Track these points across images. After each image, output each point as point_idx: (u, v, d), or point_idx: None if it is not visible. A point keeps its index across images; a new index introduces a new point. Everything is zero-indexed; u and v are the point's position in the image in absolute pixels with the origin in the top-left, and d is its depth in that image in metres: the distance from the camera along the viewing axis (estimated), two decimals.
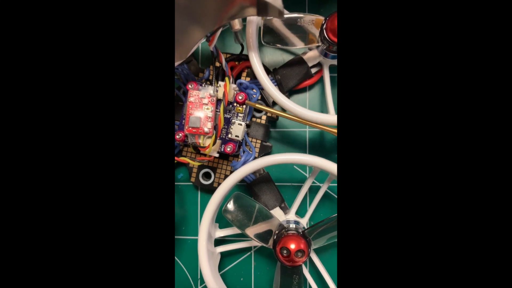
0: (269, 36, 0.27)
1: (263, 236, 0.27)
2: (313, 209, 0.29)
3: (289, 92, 0.31)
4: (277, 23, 0.27)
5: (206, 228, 0.27)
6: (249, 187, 0.30)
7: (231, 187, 0.27)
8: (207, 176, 0.31)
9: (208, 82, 0.29)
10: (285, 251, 0.26)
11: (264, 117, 0.30)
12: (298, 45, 0.27)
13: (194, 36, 0.25)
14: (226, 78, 0.27)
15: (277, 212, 0.29)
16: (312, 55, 0.29)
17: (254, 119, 0.30)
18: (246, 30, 0.27)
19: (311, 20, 0.27)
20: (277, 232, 0.27)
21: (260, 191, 0.29)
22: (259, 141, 0.30)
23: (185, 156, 0.30)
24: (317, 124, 0.27)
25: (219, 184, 0.30)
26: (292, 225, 0.28)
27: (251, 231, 0.27)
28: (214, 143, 0.27)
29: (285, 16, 0.27)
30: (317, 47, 0.28)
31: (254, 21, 0.27)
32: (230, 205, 0.27)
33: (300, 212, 0.30)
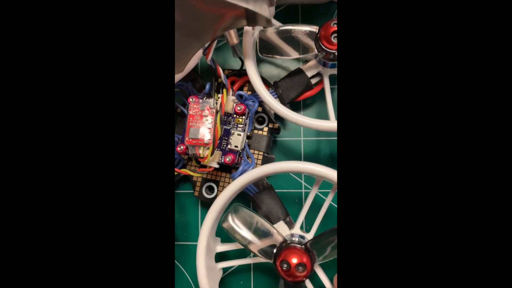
0: (265, 49, 0.28)
1: (266, 251, 0.26)
2: (318, 223, 0.27)
3: (291, 104, 0.30)
4: (271, 35, 0.28)
5: (204, 242, 0.26)
6: (251, 200, 0.29)
7: (229, 198, 0.26)
8: (210, 189, 0.31)
9: (209, 96, 0.30)
10: (285, 265, 0.24)
11: (266, 129, 0.30)
12: (294, 55, 0.28)
13: (191, 49, 0.26)
14: (224, 90, 0.28)
15: (281, 227, 0.28)
16: (310, 65, 0.29)
17: (256, 131, 0.30)
18: (243, 41, 0.28)
19: (304, 31, 0.27)
20: (278, 245, 0.26)
21: (263, 204, 0.28)
22: (262, 153, 0.30)
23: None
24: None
25: None
26: (296, 239, 0.27)
27: (254, 247, 0.26)
28: (212, 153, 0.27)
29: (281, 28, 0.28)
30: (315, 57, 0.28)
31: (250, 31, 0.28)
32: (228, 217, 0.26)
33: (307, 228, 0.28)
